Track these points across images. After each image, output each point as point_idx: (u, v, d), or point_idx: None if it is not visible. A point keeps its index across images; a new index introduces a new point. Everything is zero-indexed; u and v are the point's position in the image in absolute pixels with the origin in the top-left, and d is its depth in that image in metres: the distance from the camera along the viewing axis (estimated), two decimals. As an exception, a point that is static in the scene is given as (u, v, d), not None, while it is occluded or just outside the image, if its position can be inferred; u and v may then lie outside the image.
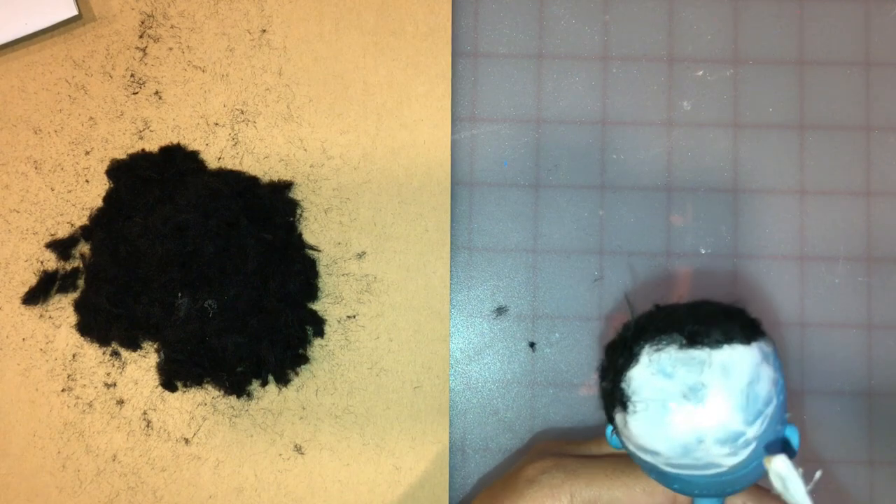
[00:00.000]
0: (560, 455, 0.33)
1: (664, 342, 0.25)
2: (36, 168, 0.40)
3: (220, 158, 0.40)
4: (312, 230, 0.40)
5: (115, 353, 0.39)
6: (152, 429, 0.39)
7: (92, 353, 0.39)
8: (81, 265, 0.39)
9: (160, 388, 0.39)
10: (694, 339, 0.25)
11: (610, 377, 0.27)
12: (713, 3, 0.42)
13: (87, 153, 0.40)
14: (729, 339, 0.25)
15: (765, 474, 0.26)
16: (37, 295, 0.39)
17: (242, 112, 0.40)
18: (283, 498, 0.38)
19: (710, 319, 0.26)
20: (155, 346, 0.39)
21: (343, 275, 0.40)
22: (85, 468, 0.38)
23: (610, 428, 0.29)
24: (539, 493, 0.31)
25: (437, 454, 0.39)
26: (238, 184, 0.39)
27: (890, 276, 0.40)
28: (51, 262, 0.39)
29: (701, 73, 0.41)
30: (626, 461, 0.31)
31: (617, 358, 0.26)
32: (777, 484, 0.25)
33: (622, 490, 0.31)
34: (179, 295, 0.36)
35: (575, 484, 0.31)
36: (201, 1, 0.41)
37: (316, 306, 0.39)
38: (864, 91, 0.41)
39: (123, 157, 0.40)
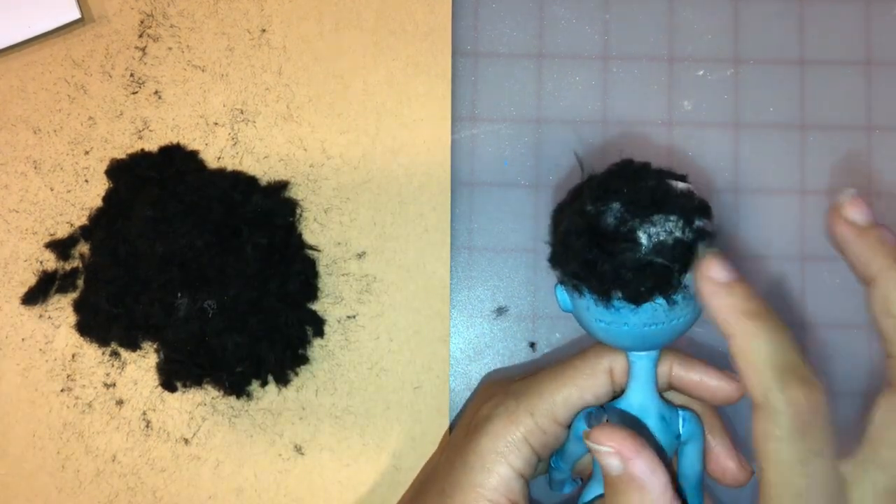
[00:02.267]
0: (506, 386, 0.34)
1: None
2: (35, 168, 0.40)
3: (219, 158, 0.40)
4: (312, 230, 0.40)
5: (115, 354, 0.39)
6: (152, 429, 0.39)
7: (91, 353, 0.39)
8: (81, 265, 0.39)
9: (160, 389, 0.38)
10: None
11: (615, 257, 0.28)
12: (714, 3, 0.42)
13: (87, 153, 0.40)
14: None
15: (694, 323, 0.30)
16: (36, 295, 0.39)
17: (242, 112, 0.40)
18: (282, 498, 0.38)
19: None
20: (154, 346, 0.39)
21: (343, 275, 0.39)
22: (84, 468, 0.38)
23: (561, 289, 0.31)
24: (499, 424, 0.33)
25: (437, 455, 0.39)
26: (237, 184, 0.39)
27: (891, 276, 0.40)
28: (50, 262, 0.39)
29: (701, 72, 0.41)
30: (562, 363, 0.34)
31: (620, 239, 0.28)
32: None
33: (570, 386, 0.33)
34: (179, 295, 0.36)
35: (528, 402, 0.33)
36: (201, 0, 0.40)
37: (316, 306, 0.39)
38: (865, 91, 0.41)
39: (123, 156, 0.40)
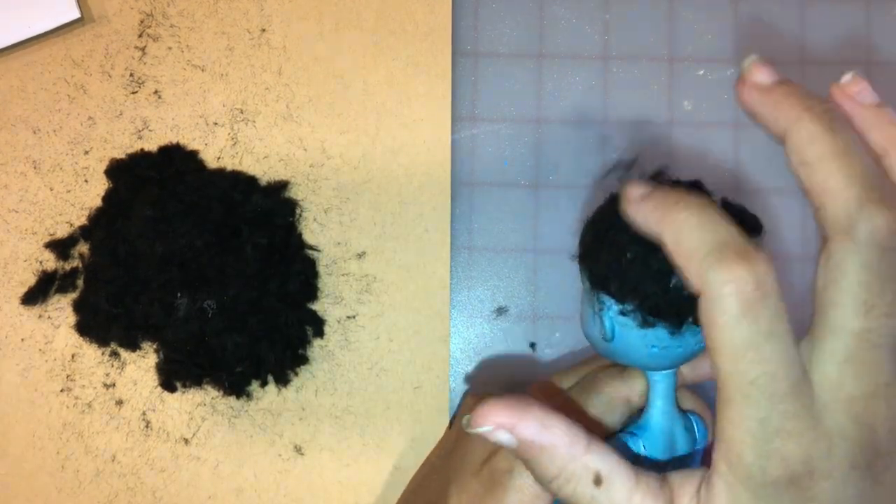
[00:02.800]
0: None
1: None
2: (35, 168, 0.40)
3: (219, 158, 0.40)
4: (312, 230, 0.40)
5: (115, 354, 0.39)
6: (151, 429, 0.39)
7: (91, 353, 0.39)
8: (80, 265, 0.39)
9: (159, 389, 0.38)
10: None
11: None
12: (714, 3, 0.42)
13: (87, 153, 0.40)
14: None
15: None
16: (36, 295, 0.39)
17: (242, 111, 0.40)
18: (282, 498, 0.38)
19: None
20: (154, 346, 0.39)
21: (343, 275, 0.39)
22: (84, 469, 0.38)
23: (610, 317, 0.29)
24: (526, 480, 0.30)
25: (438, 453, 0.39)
26: (237, 183, 0.39)
27: (891, 277, 0.40)
28: (50, 262, 0.39)
29: (702, 72, 0.41)
30: (577, 405, 0.32)
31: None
32: None
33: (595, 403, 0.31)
34: (178, 295, 0.36)
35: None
36: (200, 0, 0.40)
37: (316, 306, 0.39)
38: (865, 91, 0.41)
39: (122, 156, 0.40)
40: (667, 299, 0.27)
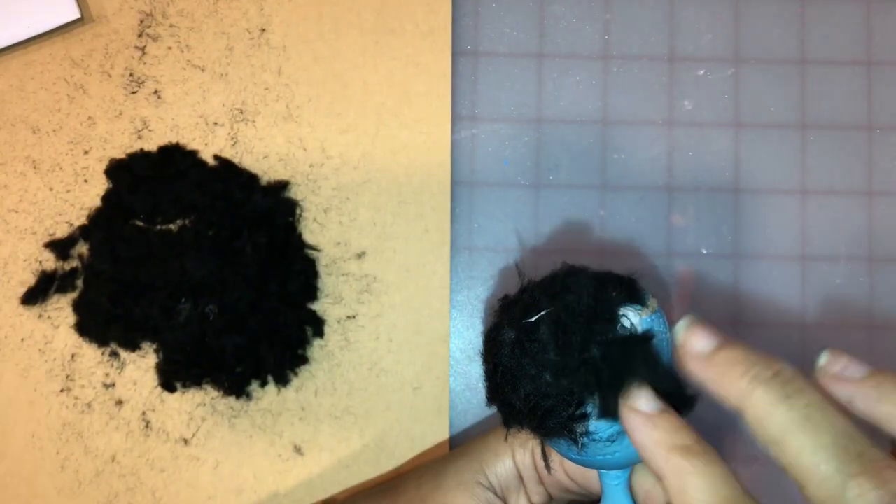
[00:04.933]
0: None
1: None
2: (34, 168, 0.39)
3: (219, 158, 0.40)
4: (312, 230, 0.40)
5: (114, 354, 0.39)
6: (151, 429, 0.38)
7: (91, 353, 0.39)
8: (80, 265, 0.39)
9: (159, 389, 0.38)
10: None
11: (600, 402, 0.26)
12: (714, 3, 0.41)
13: (86, 153, 0.40)
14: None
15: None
16: (35, 295, 0.39)
17: (241, 111, 0.40)
18: (282, 499, 0.38)
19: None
20: (154, 346, 0.38)
21: (343, 275, 0.39)
22: (84, 469, 0.38)
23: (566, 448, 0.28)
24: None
25: (437, 454, 0.39)
26: (237, 183, 0.39)
27: (891, 277, 0.40)
28: (49, 262, 0.39)
29: (702, 72, 0.41)
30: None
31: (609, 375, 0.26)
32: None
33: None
34: (183, 300, 0.36)
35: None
36: (200, 0, 0.40)
37: (316, 306, 0.39)
38: (866, 90, 0.41)
39: (122, 156, 0.39)
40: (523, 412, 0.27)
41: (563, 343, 0.26)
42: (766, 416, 0.23)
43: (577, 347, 0.26)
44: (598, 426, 0.26)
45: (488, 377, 0.28)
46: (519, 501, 0.32)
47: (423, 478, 0.33)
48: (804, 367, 0.39)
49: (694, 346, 0.25)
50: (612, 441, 0.26)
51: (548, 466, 0.30)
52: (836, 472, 0.22)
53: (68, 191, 0.39)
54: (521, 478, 0.32)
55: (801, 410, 0.22)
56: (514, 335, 0.27)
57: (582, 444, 0.26)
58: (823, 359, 0.25)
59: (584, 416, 0.26)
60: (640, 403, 0.25)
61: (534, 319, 0.26)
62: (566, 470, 0.31)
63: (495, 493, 0.32)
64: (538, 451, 0.31)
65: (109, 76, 0.40)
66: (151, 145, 0.40)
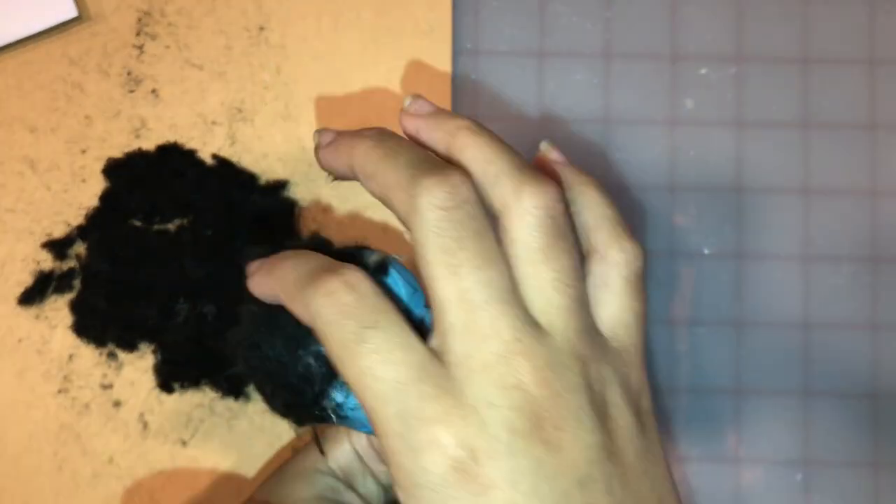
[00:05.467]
0: None
1: None
2: (31, 167, 0.39)
3: (217, 157, 0.40)
4: (311, 230, 0.39)
5: (112, 355, 0.39)
6: (149, 431, 0.38)
7: (88, 354, 0.39)
8: (78, 265, 0.39)
9: (157, 390, 0.38)
10: None
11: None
12: (716, 1, 0.41)
13: (84, 152, 0.39)
14: None
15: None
16: (33, 295, 0.39)
17: (240, 110, 0.40)
18: (281, 500, 0.38)
19: None
20: (152, 347, 0.38)
21: (342, 275, 0.39)
22: (81, 470, 0.38)
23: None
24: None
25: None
26: (236, 183, 0.39)
27: (895, 277, 0.40)
28: (47, 262, 0.39)
29: (704, 71, 0.41)
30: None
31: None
32: None
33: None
34: (181, 300, 0.36)
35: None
36: (199, -2, 0.40)
37: (315, 307, 0.39)
38: (870, 89, 0.41)
39: (120, 156, 0.39)
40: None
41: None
42: (365, 158, 0.26)
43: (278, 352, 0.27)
44: (337, 396, 0.26)
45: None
46: (366, 484, 0.31)
47: (271, 475, 0.33)
48: (806, 369, 0.39)
49: (321, 138, 0.29)
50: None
51: (321, 450, 0.30)
52: (409, 178, 0.24)
53: (66, 190, 0.39)
54: (361, 459, 0.31)
55: (389, 146, 0.26)
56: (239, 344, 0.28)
57: (342, 417, 0.26)
58: (407, 101, 0.28)
59: (323, 395, 0.26)
60: (252, 267, 0.28)
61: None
62: (371, 442, 0.31)
63: (336, 478, 0.31)
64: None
65: (107, 75, 0.40)
66: (149, 144, 0.39)
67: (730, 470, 0.39)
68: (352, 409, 0.26)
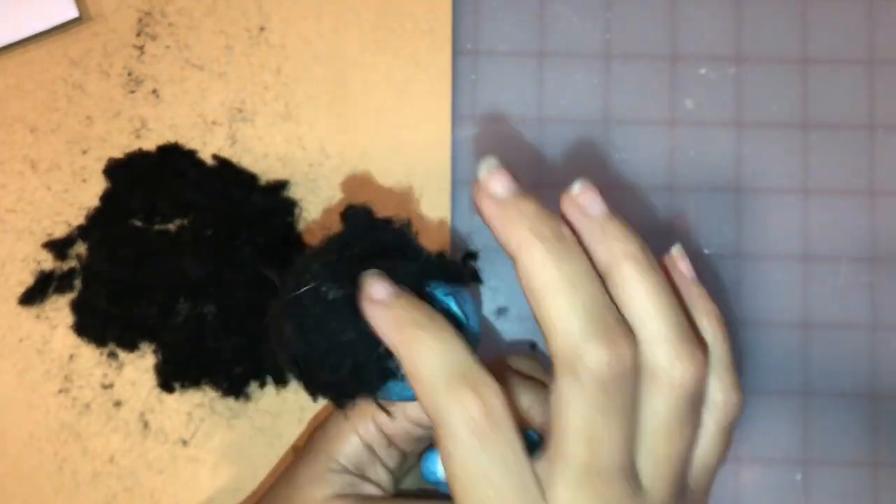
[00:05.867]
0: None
1: None
2: (32, 167, 0.39)
3: (217, 157, 0.40)
4: (311, 230, 0.39)
5: (113, 354, 0.39)
6: (150, 430, 0.38)
7: (89, 353, 0.39)
8: (78, 265, 0.39)
9: (158, 389, 0.38)
10: None
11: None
12: (716, 1, 0.41)
13: (84, 152, 0.40)
14: None
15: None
16: (34, 295, 0.39)
17: (240, 111, 0.40)
18: (281, 500, 0.38)
19: None
20: (152, 346, 0.38)
21: (342, 275, 0.39)
22: (82, 470, 0.38)
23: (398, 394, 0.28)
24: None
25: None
26: (236, 183, 0.39)
27: (894, 277, 0.40)
28: (48, 262, 0.39)
29: (704, 71, 0.41)
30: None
31: None
32: None
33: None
34: (181, 300, 0.36)
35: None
36: (199, -1, 0.40)
37: (315, 307, 0.39)
38: (869, 89, 0.41)
39: (121, 156, 0.39)
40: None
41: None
42: (535, 269, 0.25)
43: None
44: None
45: (290, 365, 0.28)
46: (377, 472, 0.32)
47: (277, 485, 0.33)
48: (806, 369, 0.39)
49: (492, 187, 0.27)
50: None
51: (388, 412, 0.30)
52: (578, 331, 0.24)
53: (66, 190, 0.39)
54: (371, 449, 0.32)
55: (568, 273, 0.25)
56: (291, 311, 0.27)
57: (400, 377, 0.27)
58: (577, 188, 0.27)
59: (381, 359, 0.27)
60: (374, 291, 0.26)
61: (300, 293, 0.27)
62: (406, 413, 0.31)
63: (350, 473, 0.31)
64: (376, 410, 0.31)
65: (108, 75, 0.40)
66: (150, 145, 0.40)
67: (729, 469, 0.39)
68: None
